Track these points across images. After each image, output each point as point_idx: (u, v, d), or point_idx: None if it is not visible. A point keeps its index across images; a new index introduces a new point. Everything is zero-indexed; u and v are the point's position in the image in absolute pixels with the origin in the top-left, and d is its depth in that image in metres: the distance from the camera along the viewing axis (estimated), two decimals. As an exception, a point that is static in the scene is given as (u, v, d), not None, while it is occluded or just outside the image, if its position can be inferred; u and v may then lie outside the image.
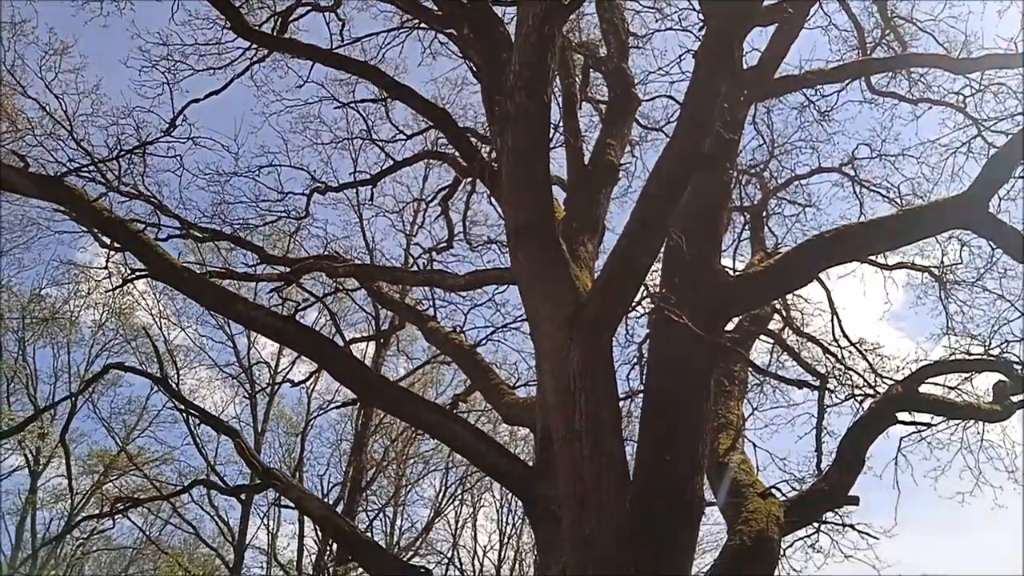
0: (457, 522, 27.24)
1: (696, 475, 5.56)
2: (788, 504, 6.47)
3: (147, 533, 23.19)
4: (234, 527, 22.44)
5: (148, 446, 24.21)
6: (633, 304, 5.55)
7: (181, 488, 7.05)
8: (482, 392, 8.53)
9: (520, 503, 25.17)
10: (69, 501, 21.57)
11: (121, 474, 21.21)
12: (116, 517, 7.89)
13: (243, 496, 20.40)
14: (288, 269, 8.31)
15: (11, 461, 22.80)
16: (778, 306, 8.46)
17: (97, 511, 14.70)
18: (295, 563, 21.38)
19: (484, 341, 10.00)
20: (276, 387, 22.57)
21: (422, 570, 6.12)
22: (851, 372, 7.95)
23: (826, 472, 6.61)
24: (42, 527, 23.36)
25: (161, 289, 22.21)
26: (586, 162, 7.98)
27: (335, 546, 19.99)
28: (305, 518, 22.57)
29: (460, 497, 26.53)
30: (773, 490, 6.59)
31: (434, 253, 10.16)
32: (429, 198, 11.18)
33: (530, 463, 6.58)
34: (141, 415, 24.32)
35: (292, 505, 6.72)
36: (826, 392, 8.04)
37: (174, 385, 9.40)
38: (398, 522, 26.03)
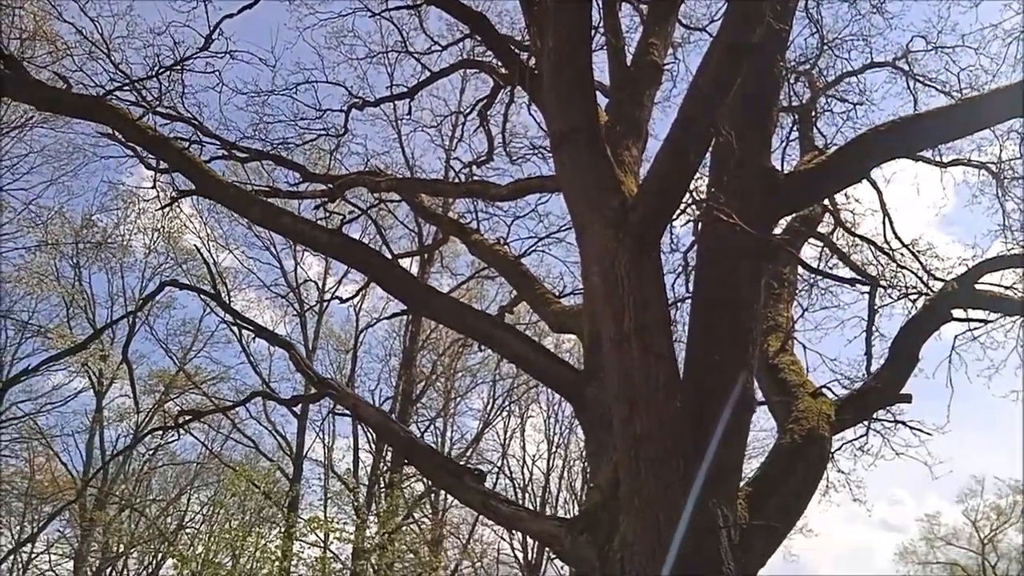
0: (505, 433, 27.88)
1: (746, 374, 5.55)
2: (839, 403, 6.46)
3: (209, 448, 24.18)
4: (291, 441, 23.27)
5: (204, 366, 25.04)
6: (681, 204, 5.43)
7: (240, 400, 7.25)
8: (528, 302, 8.55)
9: (568, 410, 25.55)
10: (134, 416, 22.48)
11: (181, 392, 22.01)
12: (180, 431, 8.17)
13: (299, 407, 21.06)
14: (330, 186, 8.34)
15: (76, 384, 23.79)
16: (829, 206, 8.27)
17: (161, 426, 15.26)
18: (351, 473, 22.12)
19: (528, 252, 9.98)
20: (325, 305, 22.96)
21: (476, 471, 6.25)
22: (904, 271, 7.79)
23: (879, 370, 6.57)
24: (109, 445, 24.44)
25: (208, 212, 22.58)
26: (628, 64, 7.77)
27: (389, 455, 20.66)
28: (359, 430, 23.35)
29: (508, 408, 27.08)
30: (824, 390, 6.59)
31: (474, 167, 10.09)
32: (467, 110, 11.02)
33: (579, 368, 6.64)
34: (196, 336, 25.07)
35: (348, 413, 6.87)
36: (877, 293, 7.97)
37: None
38: (448, 433, 26.75)
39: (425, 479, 23.91)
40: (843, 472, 10.47)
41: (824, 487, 10.13)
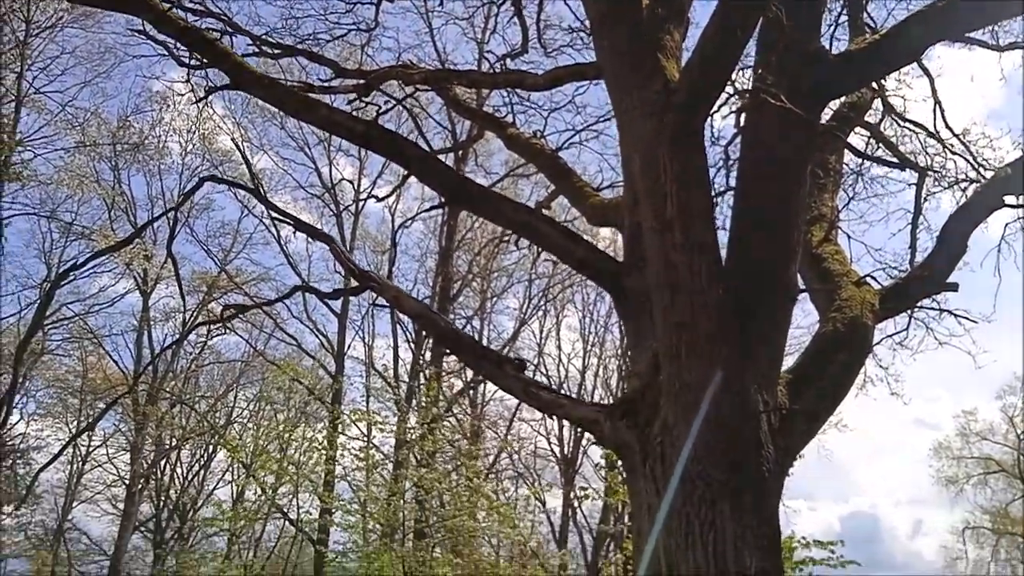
0: (541, 332, 28.22)
1: (790, 261, 5.49)
2: (883, 292, 6.39)
3: (253, 346, 24.84)
4: (332, 340, 23.79)
5: (245, 267, 25.48)
6: (726, 87, 5.28)
7: (284, 294, 7.37)
8: (566, 195, 8.47)
9: (604, 310, 25.63)
10: (180, 312, 23.12)
11: (223, 293, 22.48)
12: (225, 326, 8.39)
13: (340, 305, 21.44)
14: (363, 81, 8.21)
15: (121, 286, 24.39)
16: (878, 91, 7.96)
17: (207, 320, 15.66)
18: (391, 369, 22.66)
19: (566, 146, 9.81)
20: (360, 205, 23.03)
21: (516, 360, 6.33)
22: (955, 157, 7.54)
23: (925, 259, 6.46)
24: (158, 344, 25.20)
25: (241, 113, 22.52)
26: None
27: (428, 353, 21.09)
28: (398, 329, 23.79)
29: (544, 308, 27.31)
30: (868, 279, 6.50)
31: (508, 60, 9.83)
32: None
33: (618, 259, 6.60)
34: (235, 238, 25.42)
35: (389, 305, 6.95)
36: (925, 183, 7.75)
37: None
38: (484, 333, 27.14)
39: (463, 375, 24.47)
40: (882, 367, 10.48)
41: (862, 381, 10.16)
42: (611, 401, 26.60)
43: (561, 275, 25.84)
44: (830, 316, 6.15)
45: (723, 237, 5.80)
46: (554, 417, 26.58)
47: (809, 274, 6.71)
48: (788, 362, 5.96)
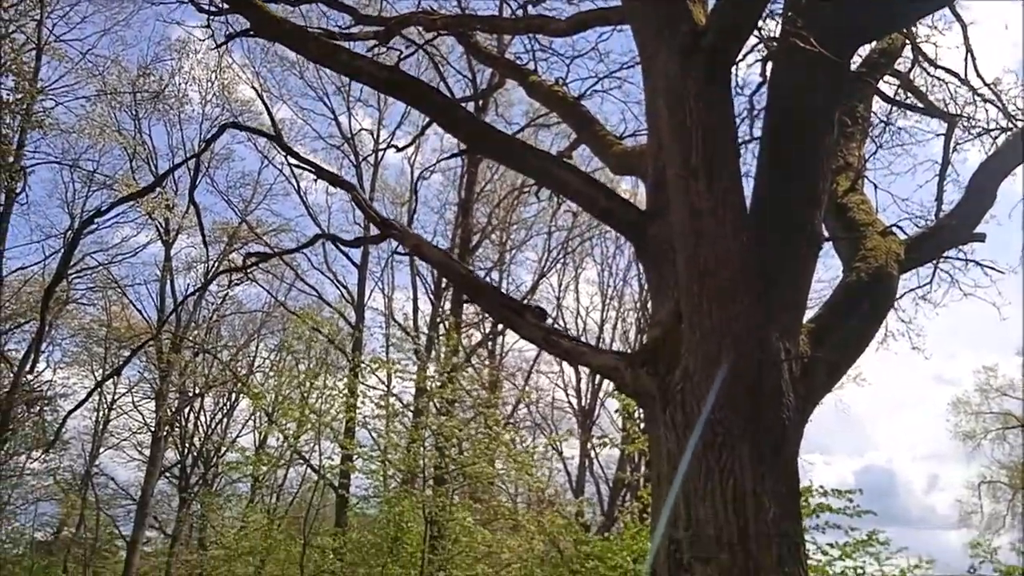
0: (560, 285, 28.24)
1: (815, 210, 5.44)
2: (909, 241, 6.32)
3: (274, 296, 25.06)
4: (352, 291, 23.94)
5: (265, 218, 25.57)
6: (755, 28, 5.17)
7: (305, 242, 7.40)
8: (588, 144, 8.39)
9: (623, 263, 25.55)
10: (203, 262, 23.30)
11: (244, 243, 22.60)
12: (247, 273, 8.45)
13: (360, 255, 21.54)
14: (383, 27, 8.12)
15: (143, 237, 24.59)
16: (909, 38, 7.78)
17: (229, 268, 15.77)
18: (411, 321, 22.82)
19: (588, 94, 9.66)
20: (380, 155, 22.96)
21: (537, 308, 6.34)
22: (987, 105, 7.38)
23: (953, 208, 6.37)
24: (180, 294, 25.44)
25: (260, 62, 22.38)
26: None
27: (448, 304, 21.18)
28: (418, 280, 23.90)
29: (563, 261, 27.29)
30: (894, 228, 6.43)
31: (529, 6, 9.67)
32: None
33: (641, 207, 6.56)
34: (255, 189, 25.47)
35: (410, 253, 6.97)
36: (954, 134, 7.61)
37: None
38: (503, 286, 27.18)
39: (482, 327, 24.59)
40: (904, 320, 10.41)
41: (883, 335, 10.11)
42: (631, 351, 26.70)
43: (581, 228, 25.77)
44: (854, 266, 6.10)
45: (748, 186, 5.75)
46: (573, 367, 26.78)
47: (834, 223, 6.64)
48: (809, 316, 5.95)
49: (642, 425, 12.70)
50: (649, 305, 24.11)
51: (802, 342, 5.55)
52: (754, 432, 5.01)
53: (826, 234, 6.27)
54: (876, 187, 7.19)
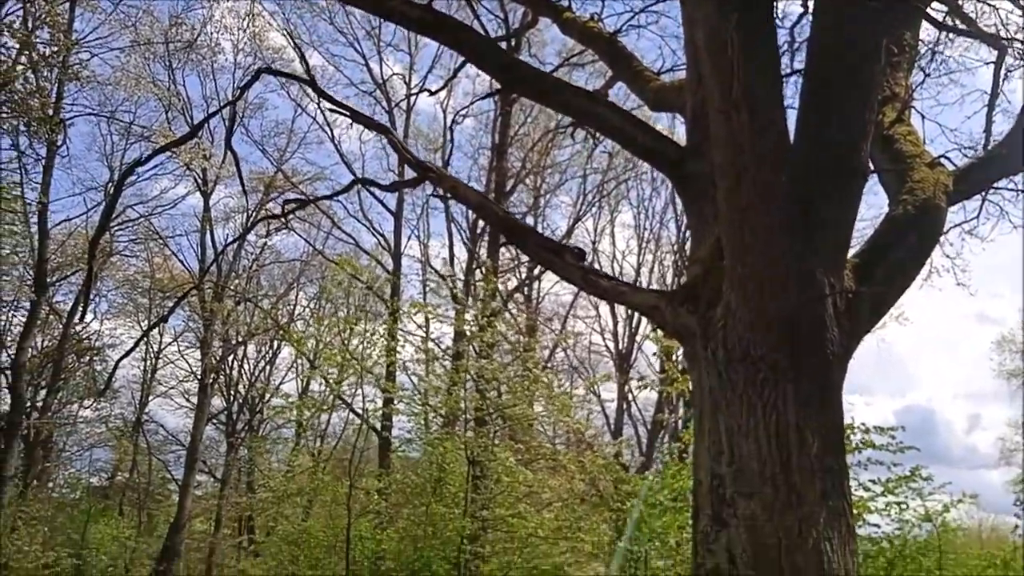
0: (596, 229, 28.07)
1: (862, 141, 5.28)
2: (958, 172, 6.15)
3: (312, 244, 25.28)
4: (388, 238, 24.04)
5: (300, 167, 25.67)
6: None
7: (343, 188, 7.40)
8: (625, 81, 8.24)
9: (659, 205, 25.29)
10: (244, 207, 23.52)
11: (280, 192, 22.74)
12: (286, 220, 8.50)
13: (396, 202, 21.59)
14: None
15: (182, 188, 24.88)
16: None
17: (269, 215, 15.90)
18: (448, 267, 22.91)
19: (624, 29, 9.45)
20: (412, 100, 22.81)
21: (576, 248, 6.32)
22: (1041, 29, 7.08)
23: (1003, 137, 6.17)
24: (220, 244, 25.79)
25: (291, 8, 22.22)
26: None
27: (484, 249, 21.21)
28: (453, 228, 23.92)
29: (598, 204, 27.08)
30: (942, 159, 6.25)
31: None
32: None
33: (680, 144, 6.46)
34: (289, 138, 25.53)
35: (447, 196, 6.95)
36: (1005, 60, 7.32)
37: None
38: (538, 231, 27.06)
39: (517, 272, 24.63)
40: (949, 256, 10.20)
41: (928, 271, 9.93)
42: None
43: (616, 170, 25.51)
44: (901, 198, 5.96)
45: (791, 119, 5.61)
46: (610, 309, 26.79)
47: (880, 156, 6.46)
48: (854, 252, 5.84)
49: (681, 366, 12.71)
50: (687, 247, 23.93)
51: (846, 277, 5.47)
52: (797, 368, 4.98)
53: (871, 167, 6.13)
54: (923, 118, 6.96)
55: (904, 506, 8.88)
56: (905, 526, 8.86)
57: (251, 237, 24.77)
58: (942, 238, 7.47)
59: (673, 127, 18.45)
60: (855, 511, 8.30)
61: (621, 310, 26.99)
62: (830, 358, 5.09)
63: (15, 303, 19.74)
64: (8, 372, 18.41)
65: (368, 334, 16.29)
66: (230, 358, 28.21)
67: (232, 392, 28.55)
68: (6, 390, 19.48)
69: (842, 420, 5.38)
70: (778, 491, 4.85)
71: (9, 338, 20.05)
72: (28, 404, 18.55)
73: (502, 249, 21.72)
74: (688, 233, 23.92)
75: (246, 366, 29.48)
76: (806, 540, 4.79)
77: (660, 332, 10.10)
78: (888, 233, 5.82)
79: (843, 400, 5.48)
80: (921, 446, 9.22)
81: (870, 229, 6.35)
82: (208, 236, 24.87)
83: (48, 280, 17.87)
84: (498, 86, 7.15)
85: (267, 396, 28.80)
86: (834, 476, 4.97)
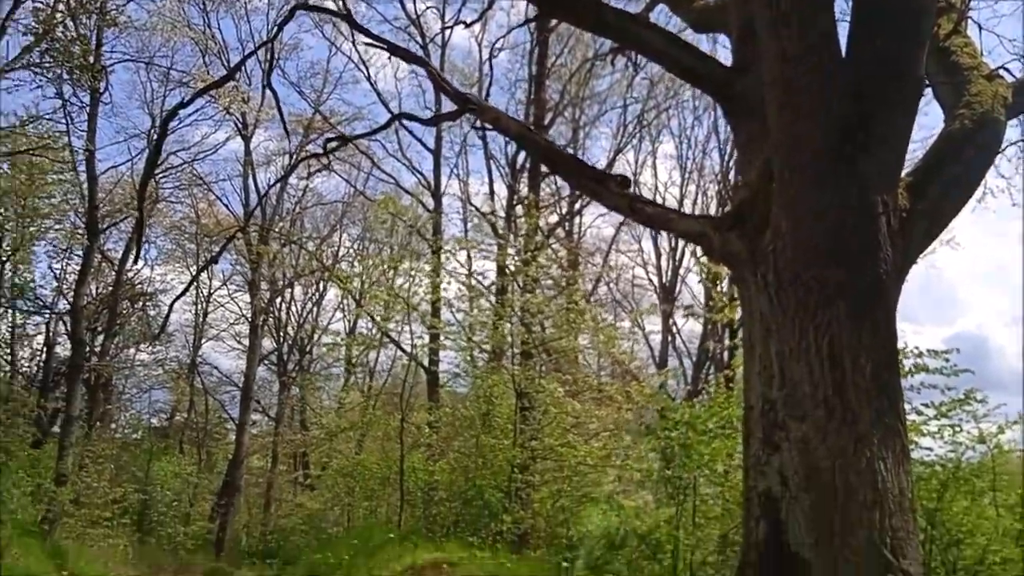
0: (637, 161, 27.64)
1: (917, 52, 5.08)
2: (1017, 85, 5.91)
3: (353, 184, 25.37)
4: (428, 176, 24.00)
5: (337, 107, 25.59)
6: None
7: (383, 124, 7.38)
8: (666, 2, 8.01)
9: (702, 134, 24.71)
10: (287, 147, 23.62)
11: (320, 134, 22.74)
12: (329, 161, 8.52)
13: (434, 140, 21.51)
14: None
15: (221, 134, 25.02)
16: None
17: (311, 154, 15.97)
18: (488, 204, 22.84)
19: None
20: (448, 32, 22.50)
21: (620, 177, 6.25)
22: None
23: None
24: (263, 188, 25.99)
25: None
26: None
27: (524, 186, 21.08)
28: (492, 165, 23.75)
29: (639, 135, 26.61)
30: (1000, 71, 6.01)
31: None
32: None
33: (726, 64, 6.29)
34: (325, 78, 25.41)
35: (486, 128, 6.89)
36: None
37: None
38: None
39: (558, 207, 24.48)
40: (1004, 176, 9.87)
41: (980, 192, 9.63)
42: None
43: (657, 99, 24.98)
44: (957, 113, 5.76)
45: (842, 32, 5.41)
46: (654, 238, 26.56)
47: (935, 69, 6.24)
48: (908, 170, 5.67)
49: (728, 295, 12.61)
50: (731, 176, 23.50)
51: (900, 196, 5.34)
52: (850, 289, 4.90)
53: (927, 80, 5.91)
54: (980, 28, 6.69)
55: (958, 429, 8.79)
56: (959, 448, 8.78)
57: (293, 180, 24.93)
58: (997, 157, 7.24)
59: (714, 51, 17.92)
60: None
61: (664, 242, 26.75)
62: (883, 278, 5.00)
63: (68, 251, 20.24)
64: (67, 318, 19.00)
65: (412, 272, 16.43)
66: (278, 300, 28.71)
67: (282, 333, 29.13)
68: (65, 336, 20.14)
69: (895, 341, 5.31)
70: (831, 413, 4.83)
71: (65, 285, 20.63)
72: (87, 349, 19.12)
73: (542, 184, 21.57)
74: (732, 162, 23.48)
75: (294, 308, 30.00)
76: (859, 460, 4.78)
77: (707, 260, 10.00)
78: (943, 149, 5.65)
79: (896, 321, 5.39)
80: (973, 374, 9.06)
81: (921, 151, 6.15)
82: (251, 180, 25.09)
83: (100, 227, 18.23)
84: (535, 12, 6.98)
85: (316, 336, 29.35)
86: (888, 396, 4.93)
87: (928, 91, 6.12)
